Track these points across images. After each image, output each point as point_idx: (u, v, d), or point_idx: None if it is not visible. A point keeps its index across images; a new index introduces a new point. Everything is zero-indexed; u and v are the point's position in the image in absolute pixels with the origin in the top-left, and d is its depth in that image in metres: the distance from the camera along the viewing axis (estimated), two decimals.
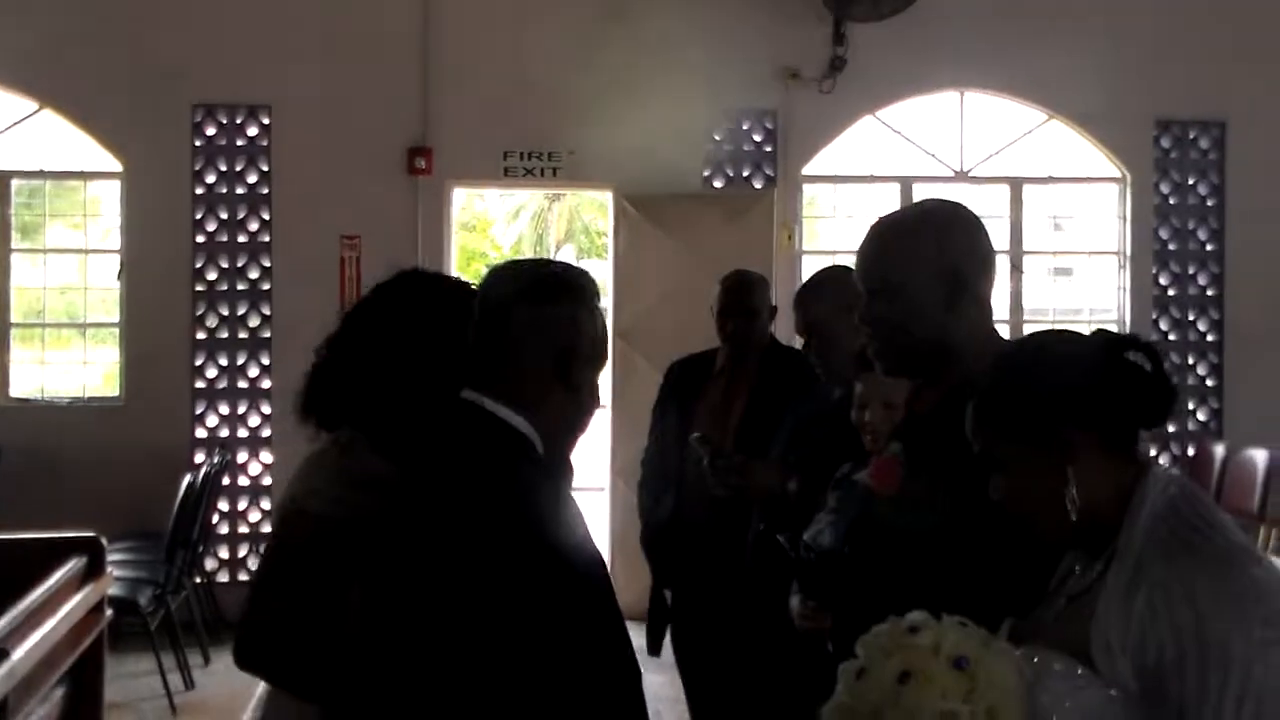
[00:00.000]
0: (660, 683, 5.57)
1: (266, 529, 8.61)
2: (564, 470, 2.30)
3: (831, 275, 4.21)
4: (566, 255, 25.90)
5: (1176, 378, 9.02)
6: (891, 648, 1.88)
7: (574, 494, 2.33)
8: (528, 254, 25.48)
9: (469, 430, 2.17)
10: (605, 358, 2.28)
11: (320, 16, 8.69)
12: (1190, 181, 9.23)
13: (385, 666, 2.05)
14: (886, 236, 2.55)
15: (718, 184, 8.98)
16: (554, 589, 1.98)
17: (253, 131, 8.75)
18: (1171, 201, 9.24)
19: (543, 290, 2.21)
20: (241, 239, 8.74)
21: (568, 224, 26.23)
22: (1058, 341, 2.11)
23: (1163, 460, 9.14)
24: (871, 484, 2.62)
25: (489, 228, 26.62)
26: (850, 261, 2.80)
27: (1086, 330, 2.16)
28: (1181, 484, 1.99)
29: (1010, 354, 2.16)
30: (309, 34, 8.66)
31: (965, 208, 2.61)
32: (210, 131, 8.72)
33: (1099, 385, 1.99)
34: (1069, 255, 10.19)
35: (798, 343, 4.30)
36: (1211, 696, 1.79)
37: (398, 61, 8.74)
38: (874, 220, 2.63)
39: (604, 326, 2.26)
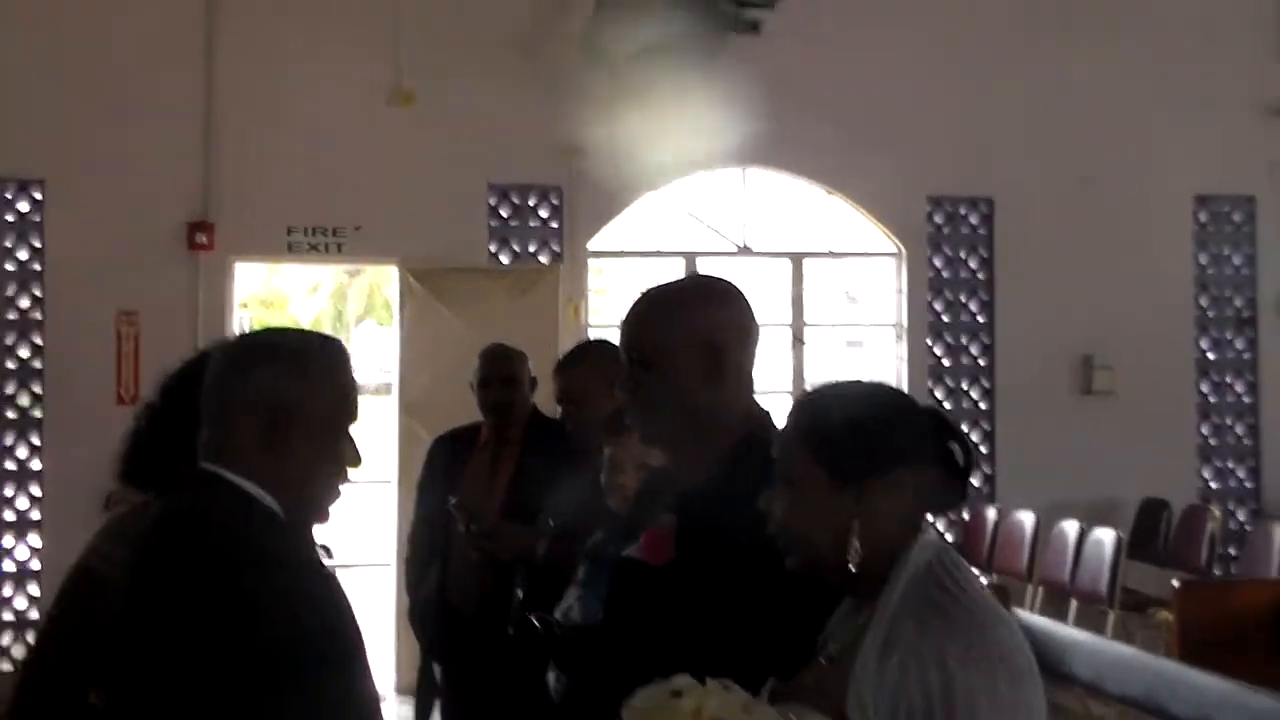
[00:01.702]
0: None
1: (34, 616, 8.27)
2: (309, 535, 2.30)
3: (589, 346, 4.31)
4: (366, 330, 25.68)
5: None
6: (654, 713, 1.90)
7: (320, 559, 2.33)
8: (327, 329, 25.18)
9: (203, 499, 2.19)
10: (344, 422, 2.26)
11: (97, 88, 8.52)
12: (962, 255, 9.62)
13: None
14: (648, 307, 2.59)
15: (504, 259, 9.04)
16: (290, 648, 2.00)
17: (24, 206, 8.51)
18: (945, 275, 9.60)
19: (243, 358, 2.24)
20: (11, 316, 8.47)
21: (368, 298, 26.05)
22: (899, 398, 2.16)
23: (940, 524, 9.44)
24: (643, 556, 2.65)
25: (287, 304, 26.27)
26: None
27: None
28: (939, 548, 2.05)
29: (853, 389, 2.19)
30: (85, 105, 8.48)
31: (728, 281, 2.65)
32: None
33: (918, 453, 2.06)
34: (851, 328, 10.47)
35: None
36: None
37: (178, 135, 8.61)
38: (639, 292, 2.68)
39: (337, 390, 2.25)
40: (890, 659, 1.92)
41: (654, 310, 2.57)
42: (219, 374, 2.23)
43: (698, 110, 8.60)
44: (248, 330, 2.52)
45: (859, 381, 2.23)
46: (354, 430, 2.29)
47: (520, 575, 4.01)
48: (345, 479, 2.29)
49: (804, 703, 2.01)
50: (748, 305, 2.60)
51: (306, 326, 24.67)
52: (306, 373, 2.21)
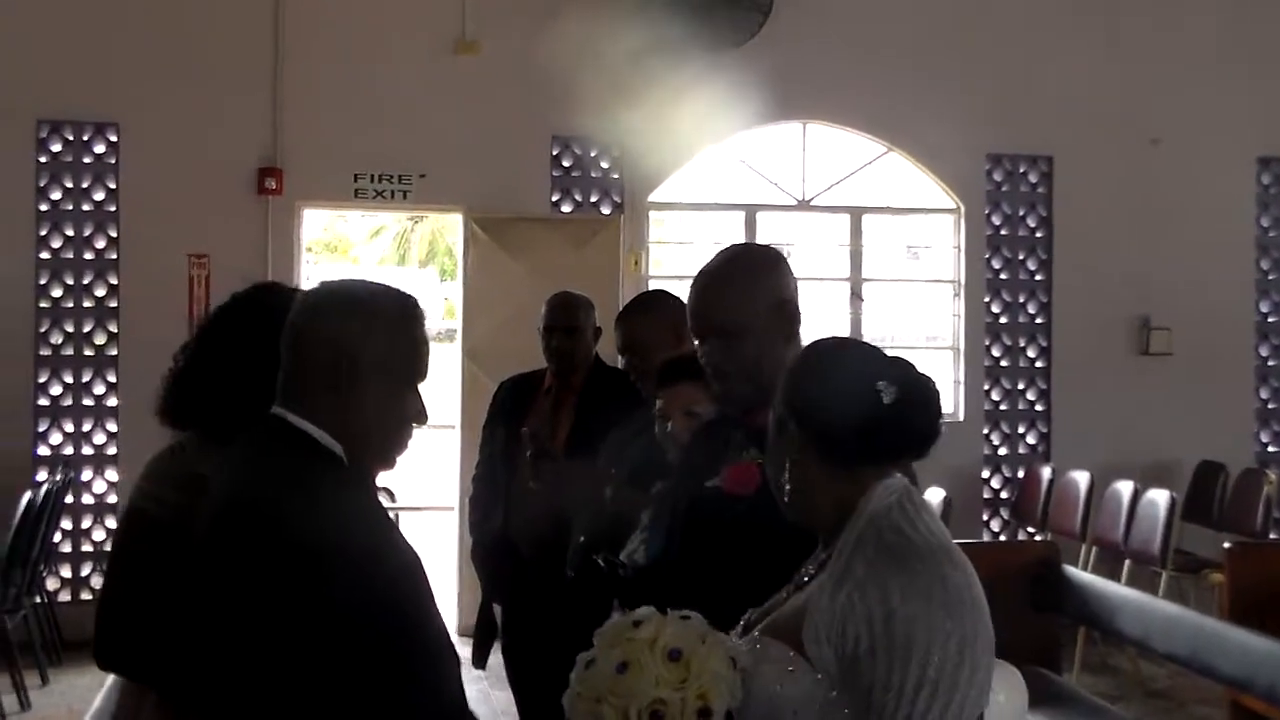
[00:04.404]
0: (506, 699, 5.65)
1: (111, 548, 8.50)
2: (369, 480, 2.41)
3: (653, 295, 4.41)
4: (428, 277, 25.86)
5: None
6: (615, 640, 2.04)
7: (379, 502, 2.45)
8: (388, 275, 25.37)
9: (269, 442, 2.28)
10: (410, 377, 2.32)
11: (171, 34, 8.67)
12: (1020, 213, 9.63)
13: (211, 660, 2.18)
14: (717, 285, 2.75)
15: (566, 209, 9.15)
16: (350, 587, 2.10)
17: (100, 149, 8.69)
18: (1003, 232, 9.62)
19: (317, 304, 2.33)
20: (88, 256, 8.67)
21: (429, 245, 26.20)
22: (837, 349, 2.28)
23: (994, 482, 9.50)
24: (726, 487, 2.75)
25: (351, 248, 26.49)
26: None
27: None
28: (904, 491, 2.17)
29: (814, 344, 2.34)
30: (159, 52, 8.64)
31: (769, 246, 2.89)
32: (56, 148, 8.66)
33: (825, 399, 2.17)
34: (910, 283, 10.49)
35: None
36: (895, 682, 1.98)
37: (249, 81, 8.77)
38: (697, 272, 2.81)
39: (404, 345, 2.31)
40: (840, 593, 2.05)
41: (727, 285, 2.74)
42: (294, 318, 2.31)
43: (759, 64, 8.65)
44: (327, 279, 2.59)
45: (838, 354, 2.29)
46: (423, 387, 2.34)
47: (582, 519, 4.12)
48: (411, 433, 2.35)
49: (770, 629, 2.16)
50: (788, 263, 2.84)
51: (370, 272, 24.97)
52: (375, 324, 2.27)
